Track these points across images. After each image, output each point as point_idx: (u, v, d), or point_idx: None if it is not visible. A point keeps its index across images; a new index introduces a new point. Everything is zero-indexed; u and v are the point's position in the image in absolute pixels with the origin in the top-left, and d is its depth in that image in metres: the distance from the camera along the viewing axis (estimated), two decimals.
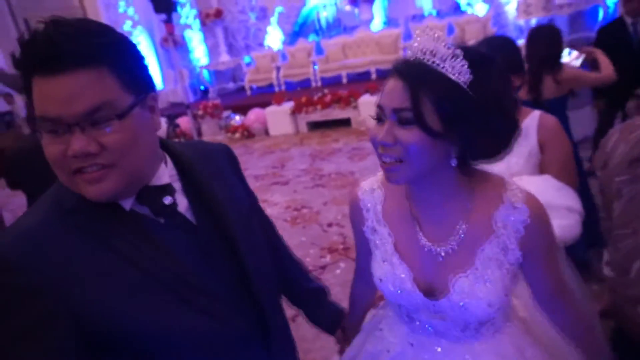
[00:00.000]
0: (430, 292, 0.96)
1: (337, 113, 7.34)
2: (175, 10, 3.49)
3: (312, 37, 10.24)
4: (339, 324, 1.25)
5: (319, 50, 9.53)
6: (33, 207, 0.75)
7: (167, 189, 0.79)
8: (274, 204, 4.60)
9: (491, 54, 0.87)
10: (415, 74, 0.81)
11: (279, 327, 0.95)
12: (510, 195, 0.91)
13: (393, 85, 0.84)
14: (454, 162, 0.86)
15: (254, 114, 8.00)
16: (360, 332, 1.24)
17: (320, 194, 4.62)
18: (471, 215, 0.92)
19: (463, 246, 0.93)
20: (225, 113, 8.28)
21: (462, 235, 0.93)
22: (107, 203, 0.73)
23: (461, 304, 0.92)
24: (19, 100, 7.60)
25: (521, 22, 7.77)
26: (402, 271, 0.97)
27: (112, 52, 0.68)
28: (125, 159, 0.70)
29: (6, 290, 0.66)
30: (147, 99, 0.74)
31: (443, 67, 0.80)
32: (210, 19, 10.38)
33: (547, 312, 1.04)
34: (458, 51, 0.80)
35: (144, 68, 0.74)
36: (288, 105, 7.67)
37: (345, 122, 7.31)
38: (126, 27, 10.02)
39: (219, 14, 10.36)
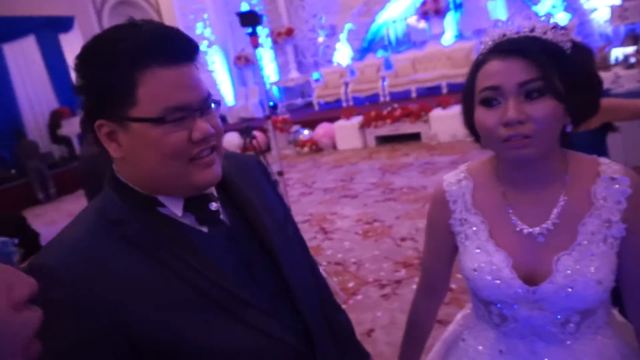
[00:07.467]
0: (530, 280, 0.90)
1: (406, 127, 7.21)
2: (260, 23, 3.58)
3: (380, 53, 10.22)
4: None
5: (388, 66, 9.47)
6: (77, 218, 0.74)
7: (211, 197, 0.79)
8: (345, 217, 4.54)
9: None
10: (532, 46, 0.82)
11: (325, 341, 0.90)
12: (606, 169, 0.89)
13: (506, 63, 0.83)
14: (569, 128, 0.87)
15: (322, 128, 8.06)
16: (439, 346, 1.15)
17: (391, 208, 4.50)
18: (569, 189, 0.90)
19: (563, 223, 0.89)
20: (294, 128, 8.41)
21: (562, 209, 0.89)
22: (152, 213, 0.74)
23: (566, 284, 0.86)
24: None
25: (608, 30, 7.26)
26: (498, 258, 0.92)
27: None
28: (220, 142, 0.77)
29: (56, 306, 0.64)
30: None
31: (548, 37, 0.84)
32: (281, 38, 10.69)
33: (637, 314, 0.92)
34: (554, 22, 0.85)
35: None
36: (356, 120, 7.65)
37: (415, 137, 7.15)
38: (202, 47, 10.58)
39: (289, 32, 10.65)
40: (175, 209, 0.75)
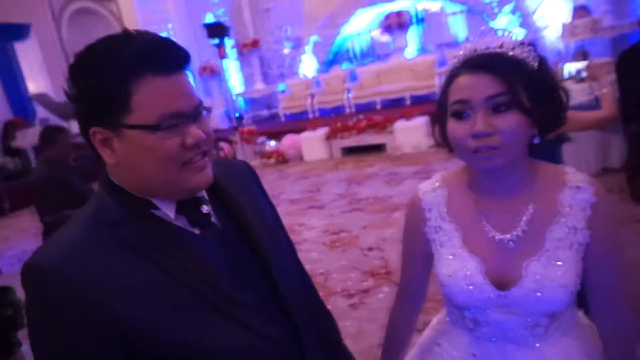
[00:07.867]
0: (501, 285, 0.94)
1: (371, 138, 7.31)
2: (227, 35, 3.60)
3: (345, 65, 10.36)
4: None
5: (353, 77, 9.61)
6: (73, 220, 0.76)
7: (202, 200, 0.81)
8: (312, 228, 4.54)
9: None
10: (499, 62, 0.87)
11: (314, 343, 0.91)
12: (571, 178, 0.94)
13: (475, 78, 0.88)
14: (536, 140, 0.91)
15: (288, 139, 8.06)
16: (414, 351, 1.17)
17: (358, 218, 4.54)
18: (537, 197, 0.94)
19: (531, 230, 0.93)
20: (260, 139, 8.38)
21: (530, 217, 0.93)
22: (147, 215, 0.75)
23: (535, 288, 0.90)
24: None
25: (560, 46, 7.65)
26: (472, 264, 0.96)
27: None
28: (211, 147, 0.79)
29: (47, 307, 0.65)
30: None
31: (515, 53, 0.88)
32: (247, 49, 10.68)
33: (599, 315, 0.97)
34: (521, 40, 0.90)
35: None
36: (322, 131, 7.70)
37: (379, 148, 7.26)
38: None
39: (255, 44, 10.66)
40: (168, 211, 0.77)
